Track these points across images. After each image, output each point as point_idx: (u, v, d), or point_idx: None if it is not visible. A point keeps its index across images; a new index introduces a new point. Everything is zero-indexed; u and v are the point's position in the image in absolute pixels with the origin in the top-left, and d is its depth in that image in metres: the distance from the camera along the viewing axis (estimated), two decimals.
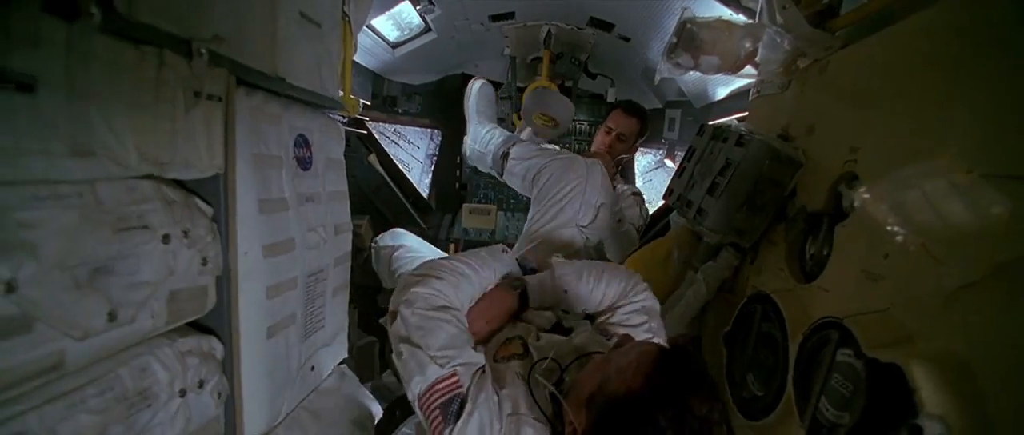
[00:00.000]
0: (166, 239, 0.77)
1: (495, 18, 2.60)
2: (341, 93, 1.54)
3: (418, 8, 2.33)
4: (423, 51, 2.67)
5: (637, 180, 3.25)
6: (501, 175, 2.27)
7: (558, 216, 1.63)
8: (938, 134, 0.80)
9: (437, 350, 0.98)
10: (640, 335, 1.15)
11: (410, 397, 1.00)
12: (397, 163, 2.97)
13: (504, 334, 1.16)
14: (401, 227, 2.40)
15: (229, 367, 0.98)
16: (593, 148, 2.53)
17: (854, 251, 0.96)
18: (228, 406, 0.98)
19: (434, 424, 0.95)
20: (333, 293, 1.38)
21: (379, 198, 2.77)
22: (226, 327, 0.96)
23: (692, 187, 1.34)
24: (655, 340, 1.15)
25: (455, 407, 0.94)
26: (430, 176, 3.37)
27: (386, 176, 2.73)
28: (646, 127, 2.52)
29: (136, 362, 0.76)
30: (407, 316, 1.02)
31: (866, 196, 0.74)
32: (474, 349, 1.05)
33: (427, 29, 2.55)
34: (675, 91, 2.75)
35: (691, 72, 2.17)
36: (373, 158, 2.57)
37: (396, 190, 2.80)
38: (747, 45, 1.21)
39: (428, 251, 1.86)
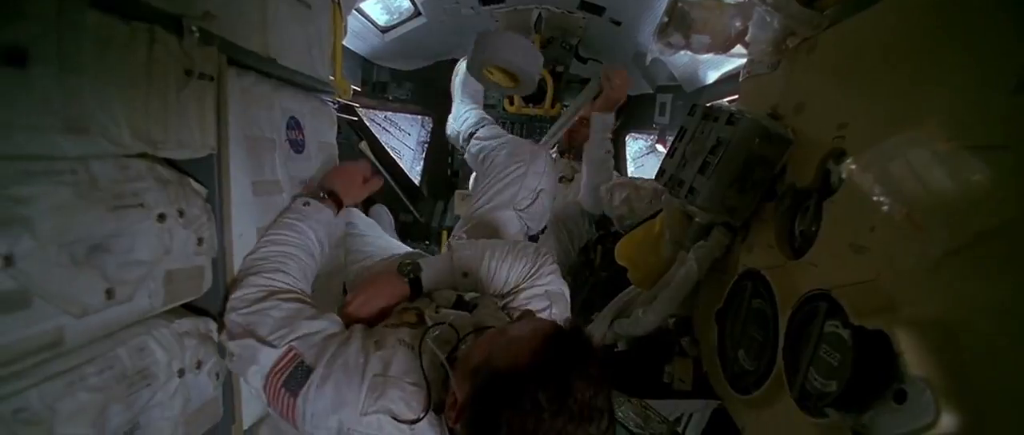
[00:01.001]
0: (161, 218, 0.77)
1: (485, 2, 2.59)
2: (332, 77, 1.53)
3: None
4: (413, 36, 2.65)
5: (628, 166, 3.26)
6: (464, 154, 2.20)
7: (495, 197, 1.58)
8: (922, 108, 0.82)
9: (267, 334, 0.91)
10: None
11: (255, 389, 0.91)
12: (388, 150, 2.96)
13: (401, 308, 1.10)
14: (392, 214, 2.40)
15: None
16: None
17: (842, 225, 0.98)
18: (226, 387, 0.99)
19: (284, 405, 0.88)
20: (327, 276, 1.39)
21: None
22: (222, 309, 0.97)
23: (683, 167, 1.35)
24: None
25: (300, 375, 0.88)
26: (422, 163, 3.36)
27: (377, 163, 2.72)
28: (616, 113, 2.38)
29: (134, 342, 0.76)
30: (232, 322, 0.93)
31: (853, 167, 0.76)
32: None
33: (417, 13, 2.53)
34: (666, 75, 2.76)
35: (682, 55, 2.19)
36: (364, 145, 2.56)
37: (388, 177, 2.79)
38: (737, 24, 1.22)
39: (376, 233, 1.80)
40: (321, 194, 1.21)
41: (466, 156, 2.15)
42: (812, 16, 1.18)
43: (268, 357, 0.89)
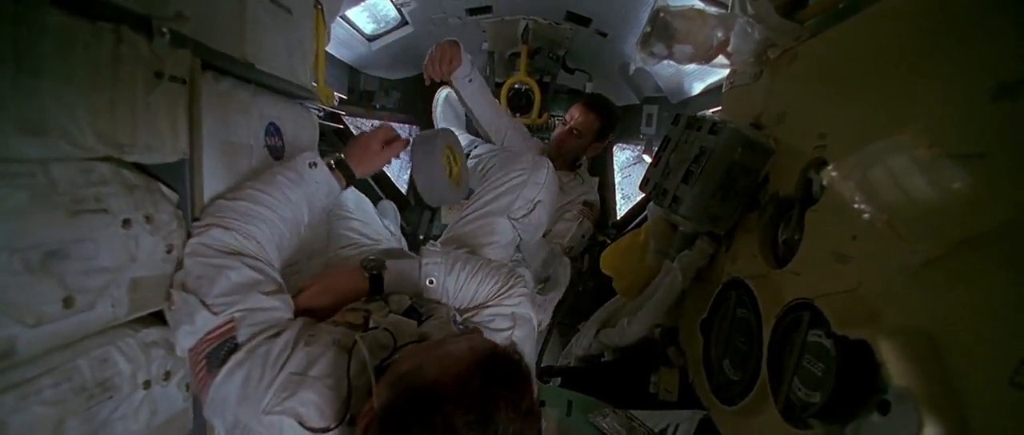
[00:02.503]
0: (127, 224, 0.74)
1: (472, 12, 2.59)
2: (315, 83, 1.51)
3: (394, 0, 2.31)
4: (400, 45, 2.64)
5: (616, 176, 3.27)
6: None
7: (491, 202, 1.54)
8: (901, 117, 0.82)
9: (214, 297, 0.83)
10: (498, 339, 1.02)
11: (180, 350, 0.83)
12: None
13: (349, 307, 1.03)
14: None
15: None
16: (552, 138, 2.37)
17: (824, 234, 0.98)
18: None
19: (200, 379, 0.82)
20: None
21: None
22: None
23: (667, 176, 1.35)
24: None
25: (224, 351, 0.81)
26: (409, 172, 3.34)
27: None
28: (609, 126, 2.33)
29: (96, 352, 0.72)
30: (189, 266, 0.86)
31: (833, 175, 0.76)
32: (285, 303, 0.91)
33: (404, 22, 2.53)
34: (652, 87, 2.78)
35: (667, 67, 2.21)
36: None
37: (374, 186, 2.77)
38: (719, 34, 1.22)
39: (366, 216, 1.69)
40: (330, 161, 1.11)
41: None
42: (792, 27, 1.19)
43: (205, 322, 0.82)
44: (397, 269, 1.13)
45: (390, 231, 1.75)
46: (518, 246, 1.68)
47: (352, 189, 1.46)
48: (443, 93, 2.51)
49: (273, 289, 0.92)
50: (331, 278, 1.09)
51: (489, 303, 1.09)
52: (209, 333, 0.82)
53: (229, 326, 0.83)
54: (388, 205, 2.33)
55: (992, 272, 0.64)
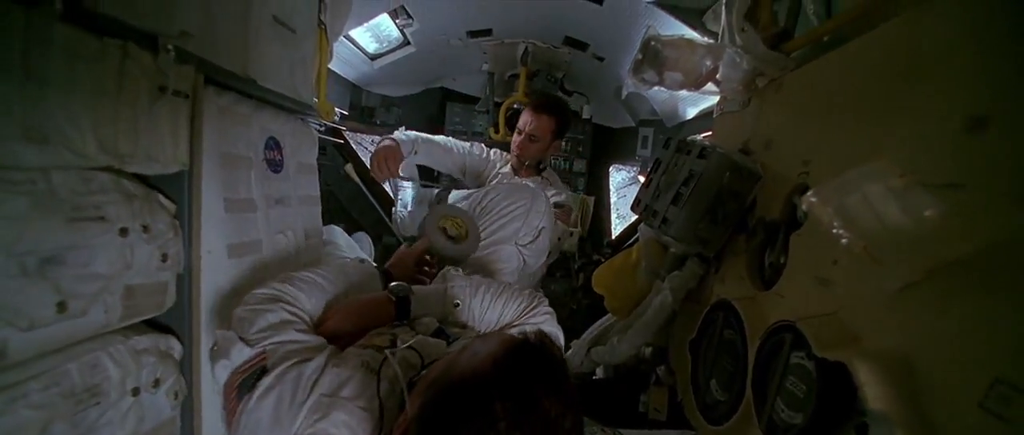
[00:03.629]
0: (124, 232, 0.76)
1: (473, 34, 2.65)
2: (316, 100, 1.55)
3: (397, 21, 2.37)
4: (402, 64, 2.70)
5: (612, 196, 3.30)
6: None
7: (497, 232, 1.58)
8: (880, 146, 0.85)
9: (252, 333, 0.87)
10: None
11: (218, 386, 0.86)
12: None
13: (376, 332, 1.03)
14: (372, 237, 2.39)
15: (187, 368, 0.96)
16: (513, 148, 2.37)
17: (807, 258, 1.00)
18: (186, 408, 0.96)
19: (230, 407, 0.82)
20: None
21: (355, 208, 2.76)
22: (186, 326, 0.95)
23: (657, 197, 1.37)
24: None
25: (252, 380, 0.81)
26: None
27: (363, 186, 2.72)
28: (564, 124, 2.34)
29: (87, 358, 0.74)
30: (237, 314, 0.92)
31: (813, 200, 0.78)
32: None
33: (406, 42, 2.58)
34: (648, 110, 2.83)
35: (661, 92, 2.25)
36: (350, 168, 2.56)
37: (372, 200, 2.79)
38: (708, 63, 1.26)
39: (354, 252, 1.80)
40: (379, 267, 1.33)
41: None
42: (779, 58, 1.22)
43: (240, 354, 0.85)
44: (424, 293, 1.15)
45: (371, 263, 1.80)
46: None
47: (341, 231, 1.81)
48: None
49: (306, 328, 0.95)
50: (357, 303, 1.09)
51: (515, 323, 1.10)
52: (243, 364, 0.84)
53: (261, 357, 0.85)
54: (363, 237, 2.34)
55: (965, 298, 0.65)
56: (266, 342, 0.86)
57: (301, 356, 0.86)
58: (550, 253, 2.10)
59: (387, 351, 0.88)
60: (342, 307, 1.06)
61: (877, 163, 0.74)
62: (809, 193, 0.80)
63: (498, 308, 1.13)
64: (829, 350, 0.80)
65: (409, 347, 0.92)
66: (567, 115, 2.37)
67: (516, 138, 2.32)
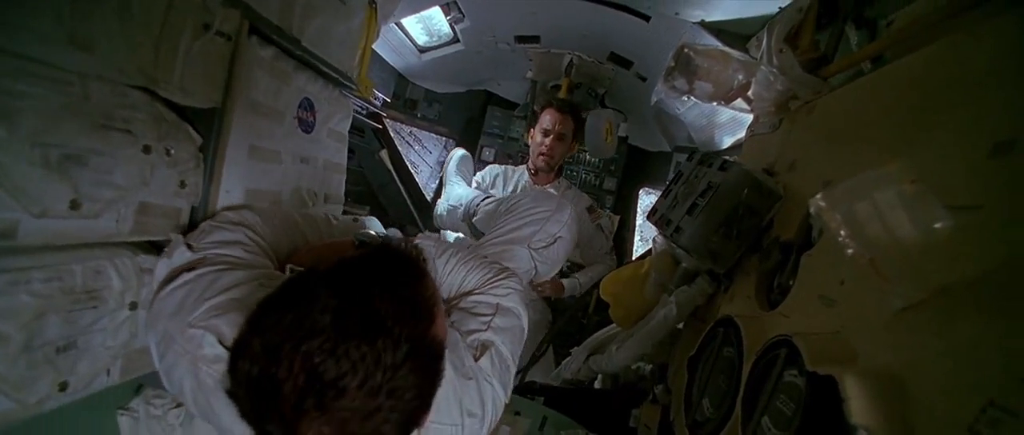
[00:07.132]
0: (147, 150, 0.81)
1: (521, 40, 2.70)
2: (357, 74, 1.61)
3: (449, 17, 2.44)
4: (449, 60, 2.77)
5: (637, 217, 3.25)
6: (472, 219, 2.24)
7: (512, 231, 1.58)
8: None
9: (202, 242, 0.90)
10: (473, 325, 0.99)
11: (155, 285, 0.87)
12: (408, 163, 3.03)
13: None
14: (398, 227, 2.45)
15: None
16: (531, 155, 2.42)
17: (815, 278, 0.96)
18: None
19: (153, 298, 0.85)
20: None
21: (384, 194, 2.82)
22: None
23: (674, 207, 1.35)
24: (487, 336, 0.97)
25: (176, 274, 0.84)
26: (437, 181, 3.42)
27: (394, 173, 2.78)
28: (580, 124, 2.45)
29: (92, 263, 0.78)
30: (201, 225, 0.95)
31: (822, 204, 0.76)
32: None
33: (455, 40, 2.65)
34: (685, 137, 2.78)
35: (700, 116, 2.22)
36: (384, 154, 2.63)
37: (401, 188, 2.85)
38: (740, 78, 1.24)
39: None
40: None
41: (474, 220, 2.19)
42: (814, 82, 1.19)
43: (181, 256, 0.87)
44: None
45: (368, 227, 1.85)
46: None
47: (377, 221, 1.68)
48: (458, 154, 2.66)
49: (258, 254, 0.95)
50: (322, 245, 1.12)
51: (475, 291, 1.08)
52: (181, 266, 0.86)
53: (198, 261, 0.86)
54: (395, 232, 2.42)
55: (963, 318, 0.62)
56: (208, 251, 0.88)
57: (231, 267, 0.87)
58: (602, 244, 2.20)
59: (289, 267, 0.91)
60: (308, 247, 1.09)
61: (889, 167, 0.71)
62: (818, 196, 0.77)
63: (461, 273, 1.11)
64: (821, 364, 0.76)
65: None
66: (581, 118, 2.48)
67: (542, 141, 2.36)
